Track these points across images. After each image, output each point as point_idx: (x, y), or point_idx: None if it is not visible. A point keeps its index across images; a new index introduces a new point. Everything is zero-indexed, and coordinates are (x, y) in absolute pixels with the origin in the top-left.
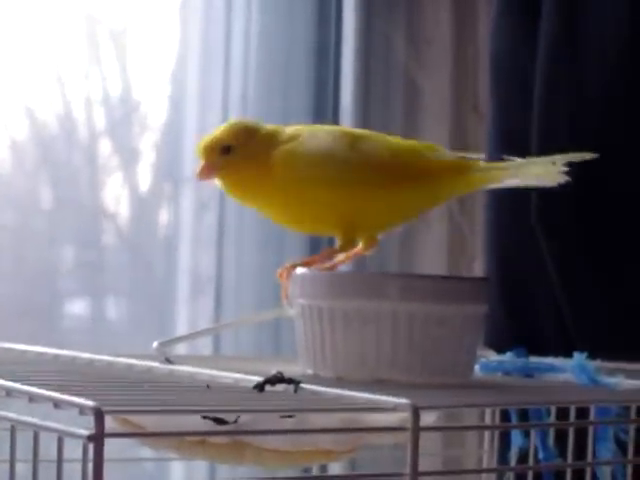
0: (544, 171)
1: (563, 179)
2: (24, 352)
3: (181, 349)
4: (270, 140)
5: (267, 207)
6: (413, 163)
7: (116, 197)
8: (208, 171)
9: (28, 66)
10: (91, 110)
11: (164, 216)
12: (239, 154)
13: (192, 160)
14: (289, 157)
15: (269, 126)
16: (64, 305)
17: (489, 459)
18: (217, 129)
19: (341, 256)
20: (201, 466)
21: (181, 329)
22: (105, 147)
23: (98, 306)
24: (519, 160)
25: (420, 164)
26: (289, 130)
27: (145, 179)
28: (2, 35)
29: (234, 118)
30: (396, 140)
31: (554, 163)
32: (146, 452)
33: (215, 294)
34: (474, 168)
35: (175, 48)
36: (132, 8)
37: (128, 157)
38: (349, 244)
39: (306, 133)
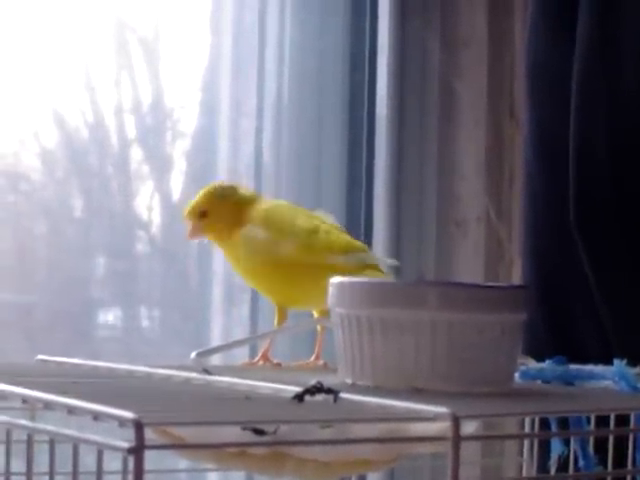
0: None
1: None
2: (61, 364)
3: (216, 358)
4: (239, 211)
5: (234, 266)
6: (317, 262)
7: (148, 205)
8: (192, 233)
9: (59, 74)
10: (122, 118)
11: None
12: (212, 218)
13: (225, 167)
14: (236, 244)
15: (244, 193)
16: (97, 314)
17: (529, 467)
18: (198, 194)
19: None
20: (238, 477)
21: (216, 338)
22: (137, 155)
23: (131, 315)
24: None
25: (317, 264)
26: (258, 206)
27: (177, 187)
28: (33, 42)
29: (214, 182)
30: (321, 237)
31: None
32: (182, 463)
33: (251, 302)
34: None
35: (206, 54)
36: (163, 15)
37: (160, 165)
38: (282, 317)
39: (253, 220)
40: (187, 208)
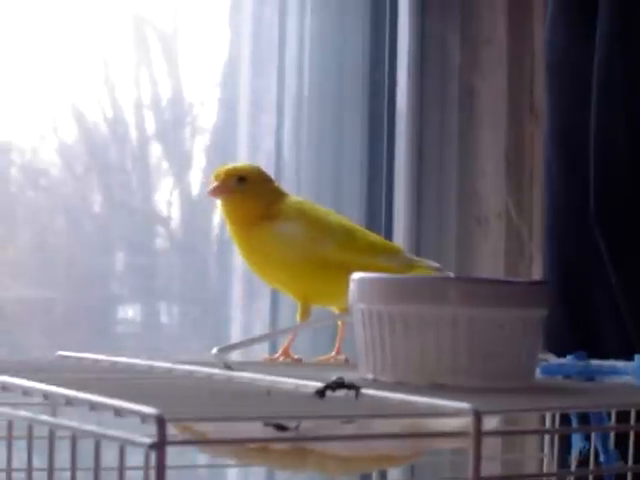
0: None
1: None
2: (81, 360)
3: (235, 354)
4: (274, 199)
5: (241, 252)
6: (359, 261)
7: (168, 201)
8: (220, 190)
9: (78, 69)
10: (141, 113)
11: (216, 219)
12: (250, 188)
13: (245, 163)
14: (267, 236)
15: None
16: (117, 310)
17: (549, 463)
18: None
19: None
20: (258, 472)
21: (236, 334)
22: (156, 150)
23: (151, 311)
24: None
25: (360, 264)
26: (288, 201)
27: (197, 182)
28: (52, 37)
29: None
30: (360, 237)
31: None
32: (202, 458)
33: (271, 297)
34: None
35: (226, 50)
36: (182, 10)
37: (179, 160)
38: (305, 313)
39: (287, 214)
40: (222, 168)
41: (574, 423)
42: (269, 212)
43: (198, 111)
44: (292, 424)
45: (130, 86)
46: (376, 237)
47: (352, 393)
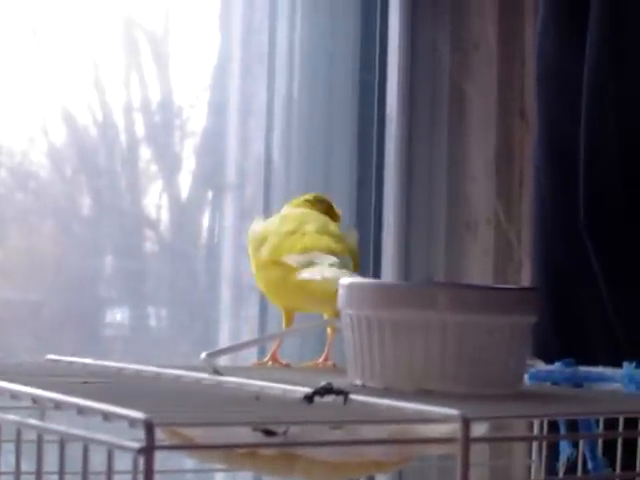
0: None
1: None
2: (70, 363)
3: (224, 358)
4: None
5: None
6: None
7: (157, 204)
8: None
9: (68, 72)
10: (131, 116)
11: (206, 223)
12: None
13: (234, 166)
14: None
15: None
16: (105, 313)
17: (537, 469)
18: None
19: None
20: (245, 477)
21: (224, 338)
22: (145, 153)
23: (139, 315)
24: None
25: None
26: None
27: (186, 186)
28: (42, 40)
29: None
30: (298, 238)
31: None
32: (188, 462)
33: (260, 302)
34: None
35: (216, 53)
36: (172, 13)
37: (169, 163)
38: (289, 322)
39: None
40: None
41: (562, 430)
42: None
43: (188, 114)
44: (280, 429)
45: (120, 89)
46: (314, 238)
47: (340, 399)
